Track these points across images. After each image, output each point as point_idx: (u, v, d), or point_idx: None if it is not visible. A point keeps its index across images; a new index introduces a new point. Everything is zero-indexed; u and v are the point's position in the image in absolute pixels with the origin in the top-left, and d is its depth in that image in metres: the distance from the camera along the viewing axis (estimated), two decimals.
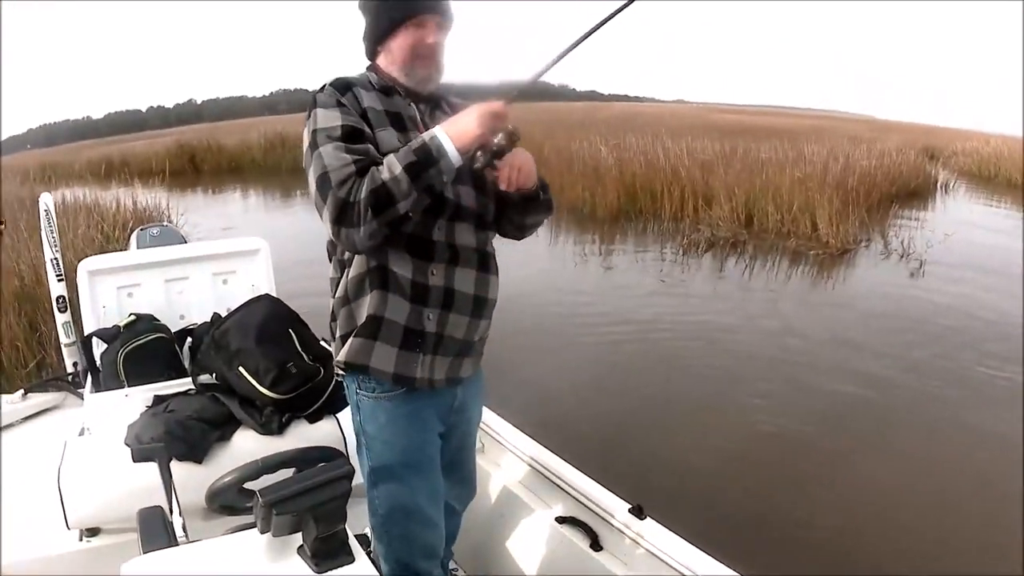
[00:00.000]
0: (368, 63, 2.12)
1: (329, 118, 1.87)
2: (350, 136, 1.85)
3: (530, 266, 10.10)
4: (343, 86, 1.96)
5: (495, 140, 1.84)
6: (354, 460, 2.07)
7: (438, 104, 2.13)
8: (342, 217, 1.77)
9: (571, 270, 10.79)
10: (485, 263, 2.11)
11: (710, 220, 12.77)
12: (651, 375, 6.68)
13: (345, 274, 1.99)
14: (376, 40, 2.06)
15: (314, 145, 1.85)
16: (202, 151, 27.67)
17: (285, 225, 14.69)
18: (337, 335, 2.03)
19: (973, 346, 7.59)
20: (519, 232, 2.28)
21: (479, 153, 1.85)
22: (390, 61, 2.04)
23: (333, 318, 2.05)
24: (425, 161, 1.78)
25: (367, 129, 1.90)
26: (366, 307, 1.95)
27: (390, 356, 1.97)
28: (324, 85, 1.96)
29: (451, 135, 1.81)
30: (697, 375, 6.67)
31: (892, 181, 16.99)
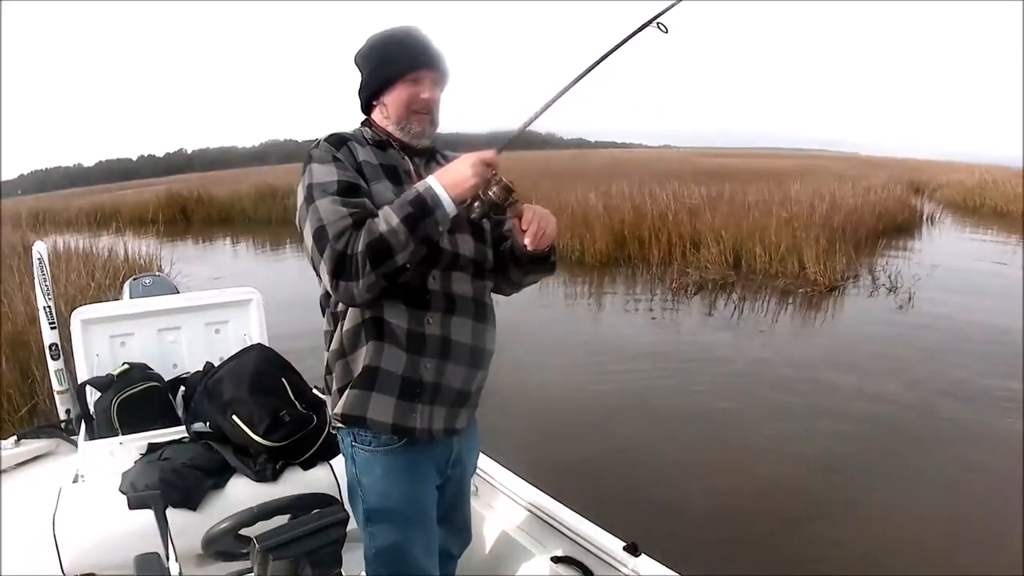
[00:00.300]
0: (363, 117, 2.13)
1: (325, 173, 1.87)
2: (346, 190, 1.84)
3: (522, 311, 10.10)
4: (338, 141, 1.96)
5: (491, 190, 1.85)
6: (348, 506, 2.07)
7: (433, 157, 2.14)
8: (340, 270, 1.76)
9: (562, 314, 10.83)
10: (482, 313, 2.11)
11: (698, 263, 12.83)
12: (643, 416, 6.66)
13: (339, 327, 1.97)
14: (372, 95, 2.07)
15: (310, 199, 1.84)
16: (192, 201, 27.74)
17: (276, 275, 14.71)
18: (333, 388, 2.01)
19: (967, 370, 7.74)
20: (513, 289, 2.28)
21: (476, 203, 1.86)
22: (385, 116, 2.05)
23: (328, 371, 2.03)
24: (421, 212, 1.78)
25: (363, 183, 1.89)
26: (362, 358, 1.94)
27: (388, 406, 1.95)
28: (319, 140, 1.96)
29: (445, 184, 1.82)
30: (691, 415, 6.66)
31: (878, 217, 17.17)
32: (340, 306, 1.95)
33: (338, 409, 1.97)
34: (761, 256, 12.63)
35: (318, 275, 1.84)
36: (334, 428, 2.08)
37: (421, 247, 1.82)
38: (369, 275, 1.75)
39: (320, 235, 1.78)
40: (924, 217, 22.16)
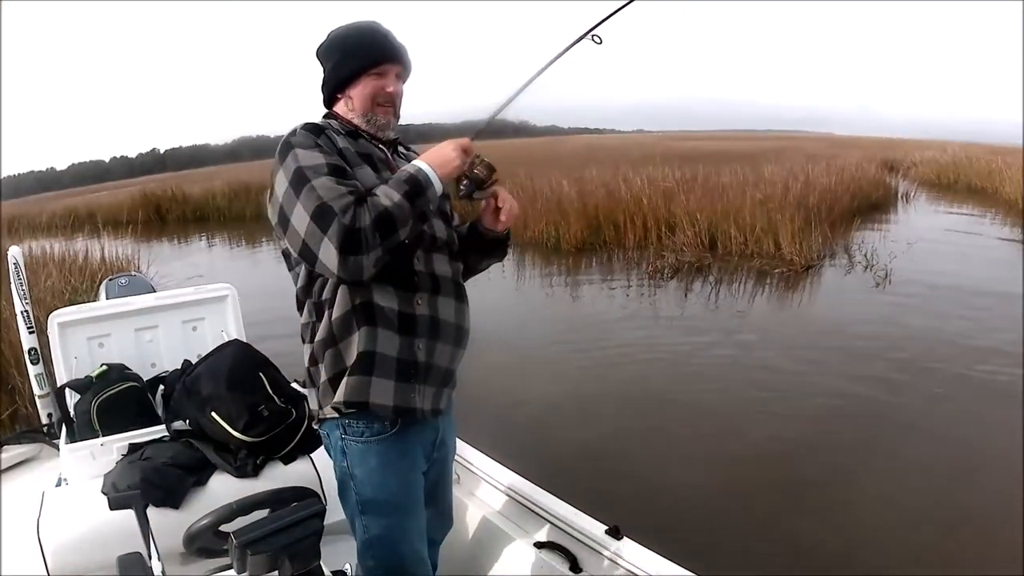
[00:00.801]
0: (326, 111, 2.17)
1: (311, 156, 1.88)
2: (337, 171, 1.87)
3: (501, 300, 10.23)
4: (315, 129, 1.98)
5: (476, 169, 2.00)
6: (331, 498, 2.12)
7: (396, 149, 2.19)
8: (349, 244, 1.77)
9: (540, 300, 10.86)
10: (460, 292, 2.17)
11: (674, 246, 12.88)
12: (623, 399, 6.70)
13: (326, 316, 1.97)
14: (336, 88, 2.11)
15: (302, 180, 1.84)
16: (167, 200, 27.50)
17: (251, 269, 14.74)
18: (323, 379, 2.00)
19: (944, 346, 7.82)
20: (468, 275, 2.32)
21: (464, 182, 2.00)
22: (350, 108, 2.09)
23: (313, 362, 2.03)
24: (416, 190, 1.86)
25: (347, 167, 1.92)
26: (356, 344, 1.95)
27: (388, 389, 1.97)
28: (295, 128, 1.97)
29: (433, 165, 1.91)
30: (675, 398, 6.71)
31: (853, 196, 17.22)
32: (326, 294, 1.97)
33: (339, 397, 1.96)
34: (736, 237, 12.67)
35: (309, 258, 1.84)
36: (319, 421, 2.09)
37: (418, 224, 1.94)
38: (377, 248, 1.80)
39: (323, 212, 1.79)
40: (899, 195, 22.30)
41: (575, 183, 16.25)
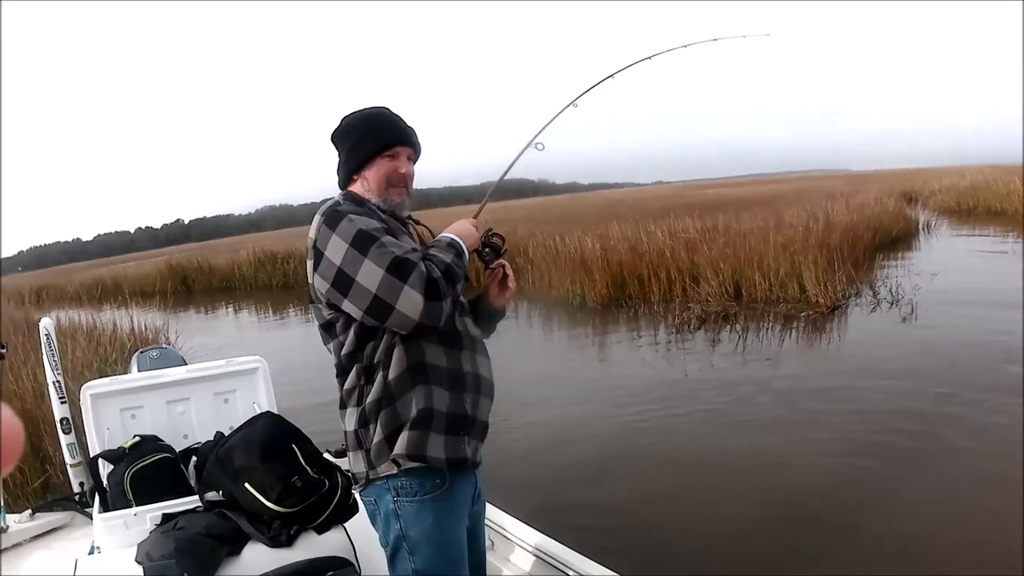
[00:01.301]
0: (342, 191, 2.29)
1: (368, 221, 2.03)
2: (392, 234, 2.05)
3: (529, 362, 10.23)
4: (357, 200, 2.18)
5: (492, 239, 2.29)
6: (370, 565, 2.19)
7: (406, 225, 2.32)
8: (431, 291, 1.92)
9: (569, 360, 10.80)
10: (486, 349, 2.32)
11: (699, 297, 12.77)
12: (659, 454, 6.59)
13: (380, 377, 2.07)
14: (352, 170, 2.26)
15: (368, 240, 1.97)
16: (193, 271, 27.88)
17: (281, 341, 14.79)
18: (376, 439, 2.07)
19: (979, 376, 7.68)
20: (486, 332, 2.47)
21: (486, 250, 2.27)
22: (366, 189, 2.23)
23: (363, 423, 2.10)
24: (459, 253, 2.09)
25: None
26: (414, 402, 2.06)
27: (441, 443, 2.08)
28: (336, 200, 2.15)
29: (459, 236, 2.15)
30: (709, 453, 6.54)
31: (874, 231, 17.11)
32: (379, 356, 2.07)
33: (399, 450, 2.05)
34: (761, 284, 12.56)
35: (382, 311, 1.94)
36: (365, 485, 2.15)
37: (462, 286, 2.10)
38: (450, 296, 1.98)
39: (401, 264, 1.93)
40: (920, 226, 22.17)
41: (597, 239, 16.17)
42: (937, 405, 6.97)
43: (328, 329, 2.16)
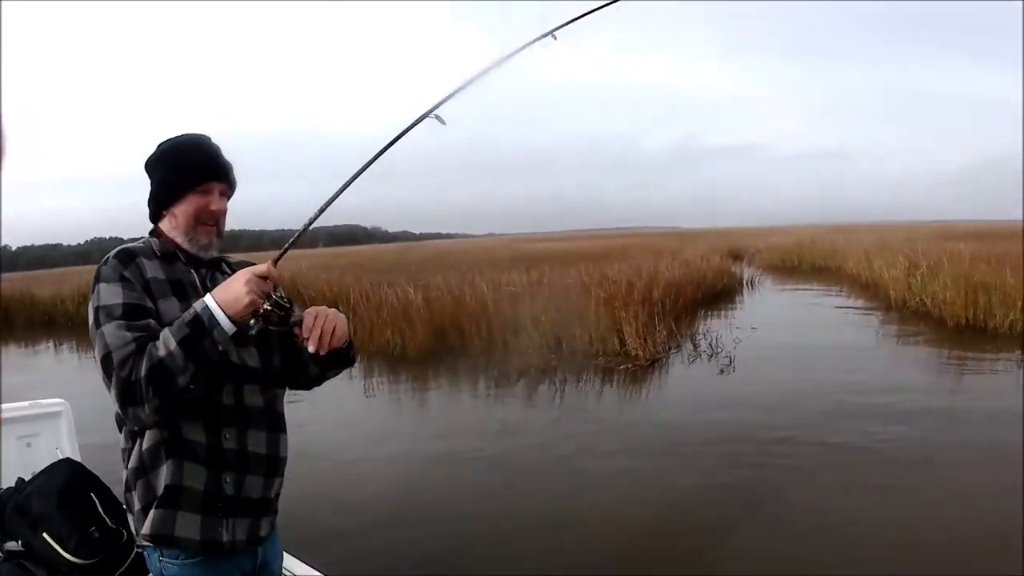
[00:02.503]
0: (151, 227, 2.12)
1: (111, 294, 1.87)
2: (131, 312, 1.85)
3: (342, 411, 9.89)
4: (126, 257, 1.95)
5: (266, 305, 1.86)
6: None
7: (219, 267, 2.16)
8: (127, 396, 1.75)
9: (386, 410, 10.49)
10: (276, 422, 2.14)
11: (520, 349, 12.68)
12: (469, 505, 6.46)
13: (138, 444, 1.94)
14: (161, 204, 2.07)
15: (97, 323, 1.84)
16: (15, 303, 26.85)
17: (101, 382, 13.86)
18: (136, 506, 1.97)
19: (792, 422, 8.15)
20: (313, 383, 2.27)
21: (253, 319, 1.88)
22: (174, 226, 2.06)
23: (128, 488, 2.00)
24: (198, 333, 1.79)
25: (149, 303, 1.90)
26: (164, 476, 1.92)
27: (194, 524, 1.94)
28: (108, 257, 1.95)
29: (222, 303, 1.83)
30: (519, 501, 6.48)
31: (697, 287, 17.72)
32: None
33: (145, 529, 1.94)
34: (581, 337, 12.59)
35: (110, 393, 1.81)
36: (140, 546, 2.07)
37: (202, 368, 1.82)
38: (153, 400, 1.75)
39: (107, 362, 1.78)
40: (744, 281, 23.11)
41: (421, 289, 16.15)
42: (743, 453, 7.23)
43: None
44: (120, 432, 2.02)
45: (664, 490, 6.48)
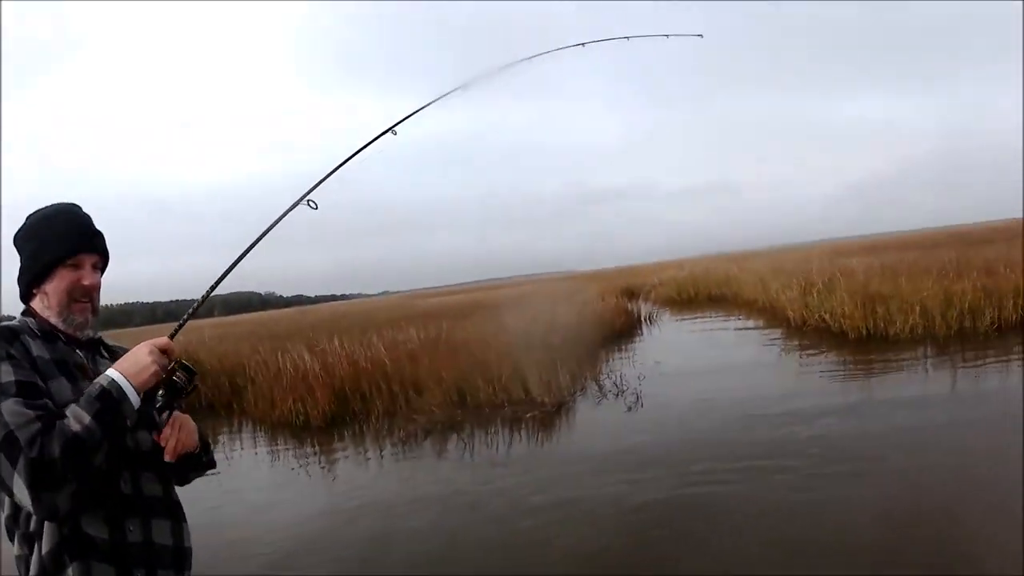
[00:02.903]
0: (23, 307, 2.00)
1: (1, 372, 1.72)
2: (28, 391, 1.70)
3: (245, 489, 9.46)
4: (10, 335, 1.82)
5: (175, 375, 1.84)
6: None
7: (97, 350, 2.05)
8: (40, 480, 1.60)
9: (294, 482, 10.00)
10: (176, 511, 2.05)
11: (423, 408, 12.37)
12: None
13: (36, 550, 1.77)
14: (31, 281, 1.96)
15: None
16: None
17: None
18: None
19: (701, 451, 8.25)
20: (181, 483, 2.18)
21: (160, 391, 1.85)
22: (46, 305, 1.95)
23: None
24: (109, 406, 1.71)
25: (40, 382, 1.76)
26: None
27: None
28: None
29: (127, 375, 1.76)
30: (434, 561, 6.31)
31: (597, 327, 17.75)
32: (33, 525, 1.78)
33: None
34: (485, 389, 12.41)
35: (4, 490, 1.66)
36: None
37: (114, 444, 1.74)
38: (71, 482, 1.62)
39: (10, 443, 1.61)
40: (642, 317, 23.40)
41: (318, 355, 15.73)
42: (664, 481, 7.35)
43: None
44: (12, 539, 1.84)
45: (590, 531, 6.42)
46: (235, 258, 2.06)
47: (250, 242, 2.10)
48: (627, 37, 4.06)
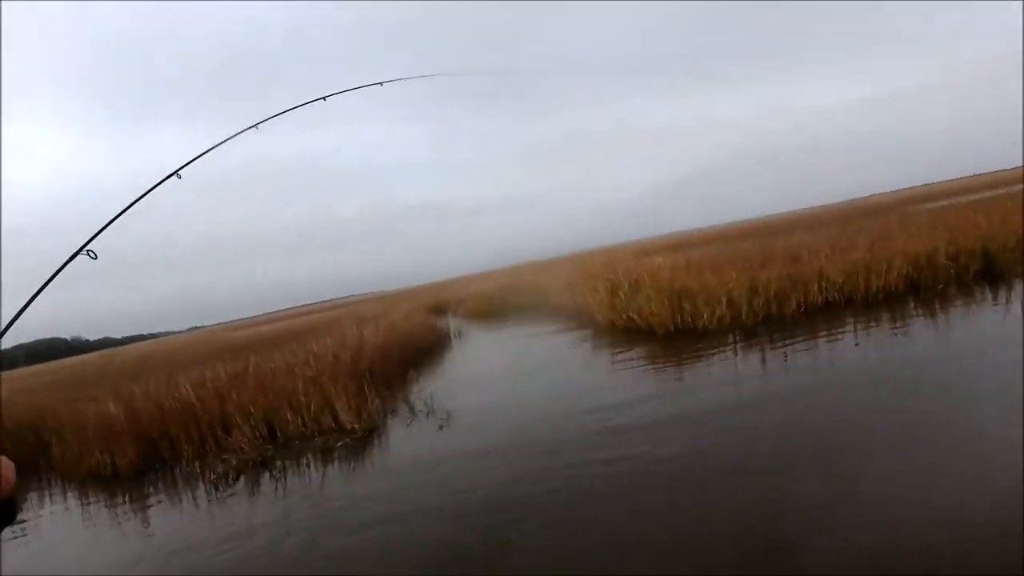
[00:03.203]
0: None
1: None
2: None
3: (56, 547, 8.98)
4: None
5: None
6: None
7: None
8: None
9: (106, 537, 9.58)
10: None
11: (233, 446, 12.24)
12: None
13: None
14: None
15: None
16: None
17: None
18: None
19: (524, 462, 8.39)
20: None
21: None
22: None
23: None
24: None
25: None
26: None
27: None
28: None
29: None
30: None
31: (405, 347, 17.77)
32: None
33: None
34: (294, 421, 12.39)
35: None
36: None
37: None
38: None
39: None
40: (452, 333, 23.44)
41: (121, 401, 15.03)
42: (489, 493, 7.55)
43: None
44: None
45: (420, 552, 6.60)
46: (13, 315, 1.96)
47: (31, 294, 2.01)
48: (380, 83, 4.40)
